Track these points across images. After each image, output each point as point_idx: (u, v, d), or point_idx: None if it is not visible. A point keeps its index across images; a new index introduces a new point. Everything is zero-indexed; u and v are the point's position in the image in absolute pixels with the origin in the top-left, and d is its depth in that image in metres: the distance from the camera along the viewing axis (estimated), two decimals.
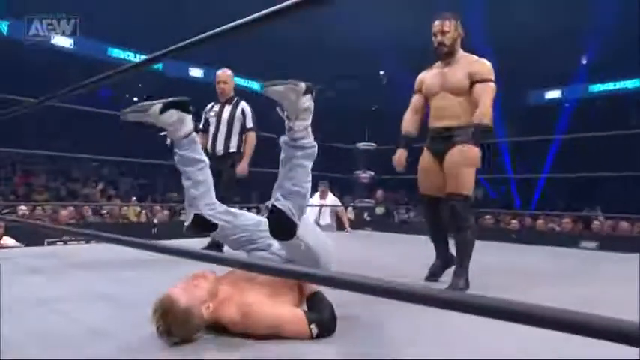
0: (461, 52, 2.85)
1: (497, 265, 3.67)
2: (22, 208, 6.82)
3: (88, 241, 5.52)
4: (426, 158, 2.93)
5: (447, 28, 2.77)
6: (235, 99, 4.16)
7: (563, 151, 16.39)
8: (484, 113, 2.63)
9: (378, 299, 0.78)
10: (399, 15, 17.21)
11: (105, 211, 8.15)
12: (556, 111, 19.87)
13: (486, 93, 2.67)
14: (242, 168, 4.06)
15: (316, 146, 1.99)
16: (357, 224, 7.27)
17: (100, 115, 8.95)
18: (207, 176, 2.12)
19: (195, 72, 20.11)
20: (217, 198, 3.66)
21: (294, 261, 1.92)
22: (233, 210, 2.15)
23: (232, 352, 1.62)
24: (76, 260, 3.74)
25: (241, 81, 22.46)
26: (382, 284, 0.75)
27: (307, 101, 1.95)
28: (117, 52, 18.79)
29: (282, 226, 1.84)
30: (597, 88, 20.54)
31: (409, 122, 3.03)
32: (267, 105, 2.31)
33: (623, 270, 3.73)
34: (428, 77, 2.95)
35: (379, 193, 9.19)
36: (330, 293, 1.82)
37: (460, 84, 2.74)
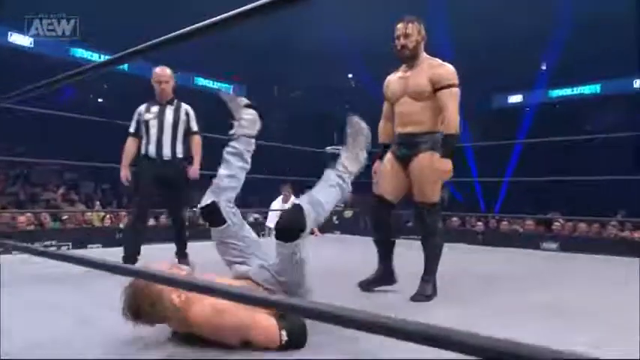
0: (424, 55, 2.79)
1: (463, 270, 3.72)
2: None
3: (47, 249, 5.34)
4: (389, 161, 2.87)
5: (409, 31, 2.71)
6: (175, 100, 3.84)
7: (525, 153, 16.79)
8: (451, 122, 2.60)
9: None
10: (367, 18, 17.32)
11: (66, 217, 7.89)
12: (519, 115, 20.37)
13: (451, 100, 2.63)
14: (195, 171, 3.85)
15: (348, 189, 2.29)
16: (326, 227, 7.25)
17: (63, 118, 8.64)
18: (242, 179, 2.23)
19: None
20: (172, 203, 3.77)
21: (281, 274, 1.93)
22: (241, 219, 2.19)
23: None
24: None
25: (207, 82, 22.28)
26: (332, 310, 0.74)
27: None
28: (80, 52, 18.28)
29: (294, 221, 1.92)
30: (556, 93, 21.16)
31: (384, 131, 2.99)
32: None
33: (583, 274, 3.84)
34: (391, 82, 2.91)
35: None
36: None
37: (422, 89, 2.69)
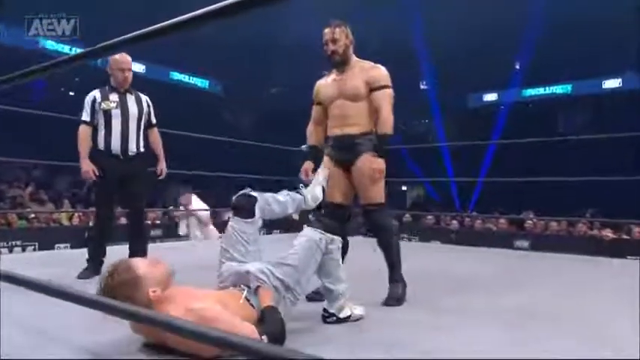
0: (354, 59, 2.81)
1: (436, 271, 3.71)
2: None
3: (11, 250, 5.18)
4: (329, 166, 2.80)
5: (337, 36, 2.70)
6: (131, 89, 3.49)
7: (500, 152, 17.01)
8: (385, 123, 2.65)
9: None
10: (346, 15, 17.27)
11: (32, 215, 7.64)
12: (493, 113, 20.65)
13: (385, 100, 2.68)
14: (164, 168, 3.65)
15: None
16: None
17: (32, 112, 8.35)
18: (277, 213, 2.34)
19: (137, 67, 19.50)
20: (134, 200, 3.45)
21: (291, 263, 2.01)
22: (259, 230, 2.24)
23: None
24: None
25: (183, 77, 22.03)
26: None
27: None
28: (50, 44, 17.82)
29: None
30: (529, 92, 21.55)
31: (313, 134, 2.97)
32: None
33: (553, 274, 3.87)
34: (323, 86, 2.88)
35: None
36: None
37: (357, 91, 2.70)
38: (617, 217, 9.54)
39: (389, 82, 2.73)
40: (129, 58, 3.42)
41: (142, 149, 3.45)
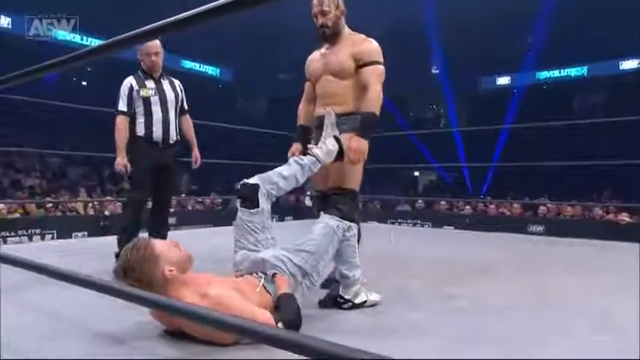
0: (347, 31, 2.50)
1: (451, 258, 3.70)
2: None
3: (30, 238, 5.27)
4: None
5: (326, 8, 2.40)
6: (164, 74, 3.34)
7: (513, 135, 16.81)
8: (372, 101, 2.31)
9: None
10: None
11: (50, 205, 7.77)
12: (507, 97, 20.39)
13: (374, 77, 2.36)
14: (198, 156, 3.49)
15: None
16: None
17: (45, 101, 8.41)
18: (288, 188, 2.22)
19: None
20: (166, 188, 3.31)
21: (308, 249, 2.01)
22: (269, 216, 2.18)
23: None
24: None
25: (194, 65, 22.02)
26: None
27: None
28: (62, 35, 17.89)
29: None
30: (544, 75, 21.21)
31: (303, 113, 2.72)
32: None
33: (570, 260, 3.85)
34: (312, 61, 2.62)
35: None
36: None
37: (342, 66, 2.40)
38: (633, 200, 9.44)
39: (380, 58, 2.42)
40: (157, 42, 3.24)
41: (178, 137, 3.34)
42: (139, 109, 3.17)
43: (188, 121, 3.45)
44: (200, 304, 1.58)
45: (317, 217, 2.41)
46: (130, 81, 3.20)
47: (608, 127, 13.41)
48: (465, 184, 17.99)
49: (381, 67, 2.40)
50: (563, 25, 17.40)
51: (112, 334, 1.81)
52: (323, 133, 2.31)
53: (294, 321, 1.73)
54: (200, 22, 1.00)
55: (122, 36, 1.21)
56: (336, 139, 2.28)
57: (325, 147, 2.25)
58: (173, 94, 3.28)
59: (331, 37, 2.45)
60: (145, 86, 3.19)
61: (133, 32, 1.17)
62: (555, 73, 21.04)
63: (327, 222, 2.10)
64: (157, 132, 3.18)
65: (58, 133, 13.58)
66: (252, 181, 2.13)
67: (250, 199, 2.08)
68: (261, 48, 20.65)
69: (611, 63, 19.33)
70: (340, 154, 2.28)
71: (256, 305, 1.75)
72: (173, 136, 3.25)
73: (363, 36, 2.47)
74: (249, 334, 1.00)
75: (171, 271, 1.73)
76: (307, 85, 2.69)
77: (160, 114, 3.19)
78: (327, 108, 2.39)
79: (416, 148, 17.07)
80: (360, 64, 2.38)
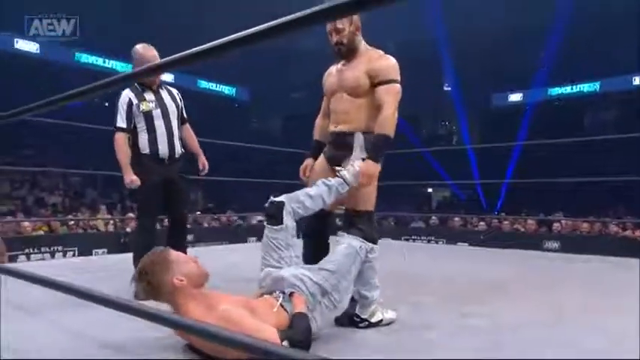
0: (364, 47, 2.39)
1: (465, 275, 3.65)
2: None
3: (53, 255, 5.32)
4: (319, 165, 2.50)
5: (340, 25, 2.28)
6: (162, 84, 3.14)
7: (526, 152, 16.68)
8: (386, 123, 2.21)
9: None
10: (367, 17, 17.25)
11: (72, 222, 7.88)
12: (519, 113, 20.26)
13: (390, 97, 2.25)
14: (205, 163, 3.28)
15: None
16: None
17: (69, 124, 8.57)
18: (315, 207, 2.19)
19: (166, 76, 19.83)
20: (179, 203, 3.11)
21: (330, 268, 1.99)
22: (294, 234, 2.17)
23: None
24: None
25: (210, 85, 22.27)
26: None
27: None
28: (85, 57, 18.29)
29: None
30: (556, 91, 21.07)
31: (319, 127, 2.63)
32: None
33: (586, 276, 3.77)
34: (329, 76, 2.52)
35: None
36: None
37: (357, 83, 2.30)
38: None
39: (397, 76, 2.31)
40: (155, 52, 3.02)
41: (183, 149, 3.14)
42: (141, 124, 2.95)
43: (189, 131, 3.24)
44: (206, 317, 1.61)
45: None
46: (127, 95, 2.95)
47: (621, 143, 13.24)
48: (479, 200, 17.84)
49: (398, 86, 2.29)
50: (574, 41, 17.31)
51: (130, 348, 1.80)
52: (351, 156, 2.26)
53: (300, 340, 1.70)
54: (228, 50, 0.99)
55: (151, 64, 1.23)
56: (363, 160, 2.23)
57: (353, 169, 2.20)
58: (174, 105, 3.07)
59: (347, 54, 2.36)
60: (144, 99, 2.96)
61: (163, 60, 1.18)
62: (567, 90, 20.87)
63: (350, 242, 2.07)
64: (163, 148, 2.97)
65: (81, 153, 13.79)
66: (278, 199, 2.12)
67: (275, 217, 2.07)
68: (276, 68, 20.85)
69: (623, 78, 19.14)
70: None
71: (273, 324, 1.73)
72: (178, 149, 3.07)
73: (381, 52, 2.37)
74: (250, 351, 0.99)
75: (181, 280, 1.74)
76: (324, 100, 2.60)
77: (164, 128, 2.98)
78: (339, 126, 2.35)
79: (429, 165, 16.99)
80: (376, 82, 2.28)
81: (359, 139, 2.25)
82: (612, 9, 16.04)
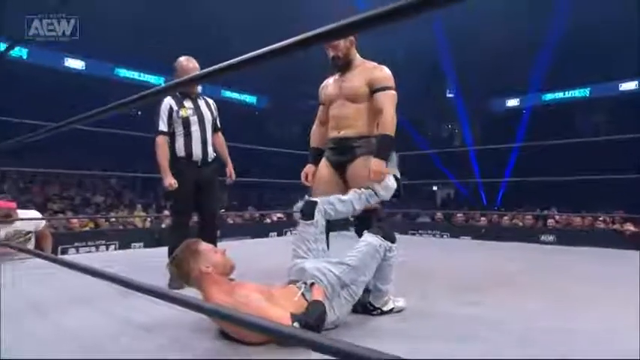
0: (358, 59, 2.42)
1: (468, 265, 3.61)
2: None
3: (97, 248, 5.38)
4: (324, 169, 2.49)
5: (336, 41, 2.28)
6: (199, 94, 3.16)
7: (523, 152, 16.51)
8: (387, 124, 2.26)
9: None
10: (377, 32, 17.24)
11: (114, 219, 8.00)
12: (516, 117, 20.08)
13: (388, 101, 2.30)
14: (232, 172, 3.30)
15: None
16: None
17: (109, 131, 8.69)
18: (345, 212, 2.23)
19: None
20: (210, 204, 3.08)
21: (350, 263, 1.97)
22: (324, 230, 2.19)
23: None
24: None
25: (233, 94, 22.37)
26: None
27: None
28: (123, 72, 18.56)
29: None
30: (549, 96, 20.82)
31: (316, 135, 2.64)
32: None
33: (581, 266, 3.71)
34: (327, 85, 2.53)
35: None
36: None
37: (359, 91, 2.34)
38: (636, 212, 9.08)
39: (392, 84, 2.35)
40: (196, 64, 3.03)
41: (214, 154, 3.14)
42: (178, 129, 2.96)
43: (220, 139, 3.24)
44: (226, 300, 1.68)
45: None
46: (168, 102, 2.98)
47: (610, 144, 13.03)
48: (480, 197, 17.71)
49: (394, 92, 2.34)
50: (566, 51, 17.09)
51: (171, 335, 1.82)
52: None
53: (310, 324, 1.67)
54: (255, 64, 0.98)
55: (189, 76, 1.23)
56: (395, 177, 2.28)
57: (385, 183, 2.24)
58: (209, 114, 3.09)
59: (343, 66, 2.40)
60: (183, 106, 2.99)
61: (201, 72, 1.17)
62: (560, 95, 20.61)
63: (371, 241, 2.04)
64: (197, 151, 2.98)
65: (120, 158, 13.97)
66: (313, 198, 2.19)
67: (308, 213, 2.12)
68: (293, 77, 20.87)
69: (611, 85, 18.87)
70: (397, 193, 2.28)
71: (293, 310, 1.74)
72: (211, 154, 3.07)
73: (375, 63, 2.41)
74: (251, 326, 1.00)
75: (207, 268, 1.80)
76: (320, 109, 2.62)
77: (199, 133, 2.99)
78: (343, 131, 2.38)
79: (434, 164, 16.89)
80: (374, 90, 2.32)
81: (393, 159, 2.31)
82: (601, 22, 15.79)
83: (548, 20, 17.07)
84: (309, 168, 2.58)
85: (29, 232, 3.80)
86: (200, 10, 17.78)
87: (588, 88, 19.78)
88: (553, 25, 16.97)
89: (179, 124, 2.96)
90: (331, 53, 2.37)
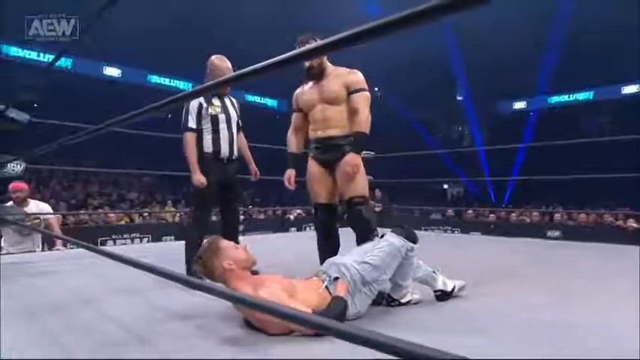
0: (330, 66, 2.49)
1: (478, 260, 3.54)
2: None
3: (132, 240, 5.46)
4: (314, 168, 2.54)
5: None
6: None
7: (529, 153, 16.25)
8: (362, 123, 2.35)
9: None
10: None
11: (147, 213, 8.11)
12: (523, 119, 19.77)
13: (362, 102, 2.38)
14: (257, 170, 3.18)
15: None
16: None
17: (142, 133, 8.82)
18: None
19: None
20: (233, 201, 2.96)
21: (372, 262, 1.93)
22: None
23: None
24: None
25: (256, 98, 22.45)
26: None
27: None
28: (155, 79, 18.81)
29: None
30: (555, 99, 20.42)
31: (294, 142, 2.67)
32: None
33: (586, 260, 3.62)
34: (301, 94, 2.58)
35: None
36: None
37: (339, 94, 2.41)
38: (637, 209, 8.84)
39: (365, 86, 2.43)
40: (229, 64, 2.90)
41: (239, 152, 3.02)
42: (207, 126, 2.83)
43: (243, 139, 3.09)
44: (250, 294, 1.62)
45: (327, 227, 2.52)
46: (198, 100, 2.83)
47: (613, 145, 12.71)
48: (489, 194, 17.50)
49: (367, 93, 2.42)
50: (570, 55, 16.73)
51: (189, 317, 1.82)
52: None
53: (331, 316, 1.64)
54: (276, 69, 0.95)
55: (225, 77, 1.22)
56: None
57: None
58: (235, 113, 2.98)
59: (317, 75, 2.46)
60: (212, 104, 2.86)
61: (223, 78, 1.16)
62: (565, 98, 20.19)
63: (393, 242, 1.99)
64: (225, 148, 2.86)
65: (152, 158, 14.15)
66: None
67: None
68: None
69: (614, 88, 18.42)
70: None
71: (315, 303, 1.74)
72: (235, 152, 2.94)
73: (348, 69, 2.48)
74: (272, 312, 0.96)
75: (230, 264, 1.76)
76: (295, 116, 2.65)
77: (227, 131, 2.87)
78: (328, 131, 2.44)
79: (444, 164, 16.71)
80: (350, 92, 2.40)
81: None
82: (604, 26, 15.39)
83: (552, 25, 16.73)
84: (290, 172, 2.61)
85: (38, 218, 4.00)
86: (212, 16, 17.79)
87: (592, 92, 19.34)
88: (557, 29, 16.62)
89: (207, 121, 2.83)
90: (307, 64, 2.43)
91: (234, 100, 3.04)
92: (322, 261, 2.37)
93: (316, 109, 2.49)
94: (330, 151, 2.46)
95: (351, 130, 2.40)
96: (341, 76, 2.44)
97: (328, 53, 0.86)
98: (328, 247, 2.48)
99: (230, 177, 2.90)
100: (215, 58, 2.88)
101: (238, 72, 1.05)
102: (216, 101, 2.88)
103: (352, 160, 2.33)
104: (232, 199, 2.96)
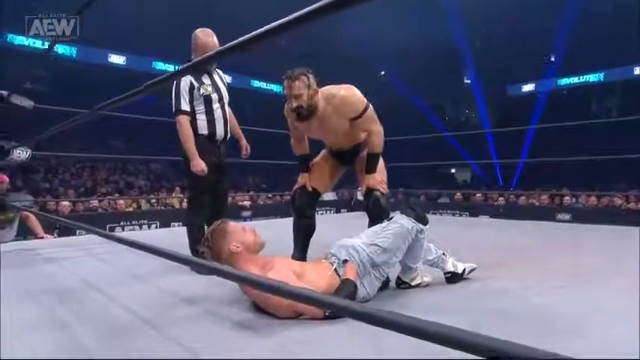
0: (322, 102, 2.22)
1: (490, 242, 3.50)
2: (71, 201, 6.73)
3: (140, 227, 5.47)
4: (324, 158, 2.55)
5: (297, 92, 2.12)
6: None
7: (538, 135, 16.05)
8: (375, 144, 2.35)
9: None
10: (388, 20, 16.83)
11: (154, 200, 8.13)
12: (532, 101, 19.49)
13: (370, 122, 2.30)
14: (247, 145, 2.94)
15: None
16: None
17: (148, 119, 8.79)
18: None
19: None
20: (224, 182, 2.74)
21: (380, 244, 1.90)
22: None
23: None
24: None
25: (262, 84, 22.30)
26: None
27: None
28: (160, 65, 18.73)
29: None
30: (564, 81, 20.08)
31: (299, 146, 2.54)
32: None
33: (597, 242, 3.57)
34: (302, 126, 2.34)
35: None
36: None
37: (343, 127, 2.30)
38: None
39: (364, 103, 2.25)
40: (215, 38, 2.62)
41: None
42: (200, 107, 2.57)
43: (232, 115, 2.82)
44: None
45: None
46: (188, 79, 2.55)
47: (624, 126, 12.49)
48: (497, 178, 17.38)
49: (370, 111, 2.29)
50: (580, 36, 16.37)
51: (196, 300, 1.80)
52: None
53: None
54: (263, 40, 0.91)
55: (218, 49, 1.18)
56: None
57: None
58: (224, 89, 2.72)
59: (307, 115, 2.20)
60: (203, 83, 2.58)
61: (224, 46, 1.10)
62: (575, 80, 19.82)
63: (403, 223, 1.94)
64: (220, 130, 2.64)
65: (159, 145, 14.16)
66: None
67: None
68: (314, 67, 20.62)
69: (625, 69, 18.02)
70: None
71: (325, 285, 1.71)
72: (229, 132, 2.73)
73: (339, 94, 2.22)
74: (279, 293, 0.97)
75: (237, 247, 1.74)
76: (293, 130, 2.47)
77: (220, 111, 2.64)
78: (341, 147, 2.46)
79: (453, 147, 16.58)
80: (353, 118, 2.27)
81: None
82: (616, 5, 15.03)
83: (562, 6, 16.35)
84: (304, 178, 2.50)
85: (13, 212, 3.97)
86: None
87: (602, 73, 18.96)
88: (568, 9, 16.24)
89: (200, 102, 2.57)
90: (294, 104, 2.16)
91: (222, 74, 2.79)
92: (296, 243, 2.44)
93: (326, 138, 2.47)
94: (346, 156, 2.51)
95: (363, 141, 2.41)
96: (338, 110, 2.22)
97: (322, 17, 0.81)
98: (302, 228, 2.44)
99: (222, 159, 2.71)
100: (199, 33, 2.60)
101: (225, 46, 1.00)
102: (206, 79, 2.61)
103: (374, 182, 2.36)
104: (222, 181, 2.75)
